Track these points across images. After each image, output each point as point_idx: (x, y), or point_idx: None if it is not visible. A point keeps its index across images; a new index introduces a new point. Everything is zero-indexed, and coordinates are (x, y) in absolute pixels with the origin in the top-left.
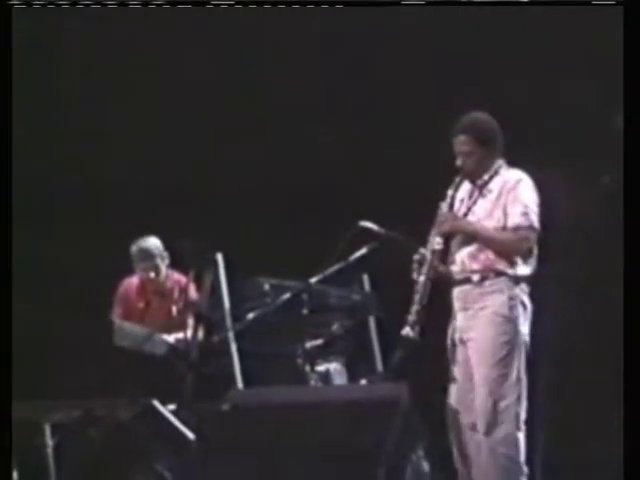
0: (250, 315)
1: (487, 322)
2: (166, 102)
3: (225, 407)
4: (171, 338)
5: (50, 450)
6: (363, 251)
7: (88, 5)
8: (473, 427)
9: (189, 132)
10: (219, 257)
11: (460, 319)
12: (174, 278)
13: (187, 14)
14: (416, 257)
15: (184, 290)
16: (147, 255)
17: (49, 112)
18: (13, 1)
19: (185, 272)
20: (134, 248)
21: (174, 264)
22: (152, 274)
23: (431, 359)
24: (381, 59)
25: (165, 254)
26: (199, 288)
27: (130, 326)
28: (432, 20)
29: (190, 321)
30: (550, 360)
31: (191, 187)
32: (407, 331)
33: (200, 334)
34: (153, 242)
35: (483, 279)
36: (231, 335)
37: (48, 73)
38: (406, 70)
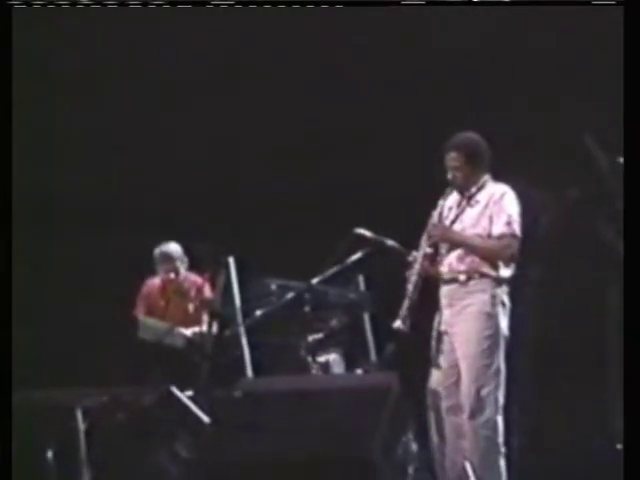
0: (258, 312)
1: (471, 318)
2: (166, 103)
3: (237, 393)
4: (188, 332)
5: (82, 432)
6: (358, 255)
7: (88, 5)
8: (452, 410)
9: (190, 135)
10: (231, 260)
11: (446, 314)
12: (191, 279)
13: (187, 14)
14: (409, 259)
15: (200, 290)
16: (168, 258)
17: (49, 112)
18: (13, 1)
19: (201, 274)
20: (157, 252)
21: (192, 267)
22: (172, 275)
23: (419, 351)
24: (380, 60)
25: (184, 258)
26: (213, 288)
27: (152, 321)
28: (432, 20)
29: (205, 317)
30: (526, 352)
31: (206, 196)
32: (399, 324)
33: (214, 328)
34: (174, 247)
35: (468, 279)
36: (242, 329)
37: (48, 73)
38: (406, 71)
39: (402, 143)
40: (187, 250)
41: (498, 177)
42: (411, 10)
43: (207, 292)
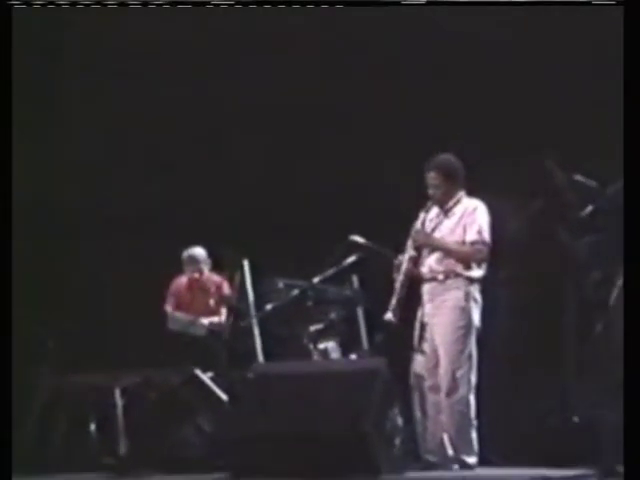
0: (268, 306)
1: (448, 311)
2: (166, 103)
3: (250, 375)
4: (209, 322)
5: (119, 408)
6: (353, 258)
7: (88, 5)
8: (432, 389)
9: (190, 138)
10: (245, 263)
11: (427, 308)
12: (213, 278)
13: (187, 14)
14: (396, 262)
15: (220, 287)
16: (194, 260)
17: (49, 112)
18: (13, 1)
19: (220, 274)
20: (185, 255)
21: (213, 267)
22: (197, 275)
23: (403, 339)
24: (382, 60)
25: (208, 260)
26: (231, 286)
27: (179, 314)
28: (431, 20)
29: (224, 310)
30: (495, 340)
31: (225, 206)
32: (389, 316)
33: (231, 320)
34: (199, 251)
35: (446, 279)
36: (254, 321)
37: (48, 73)
38: (405, 72)
39: (396, 159)
40: (210, 253)
41: (472, 192)
42: (411, 10)
43: (225, 289)
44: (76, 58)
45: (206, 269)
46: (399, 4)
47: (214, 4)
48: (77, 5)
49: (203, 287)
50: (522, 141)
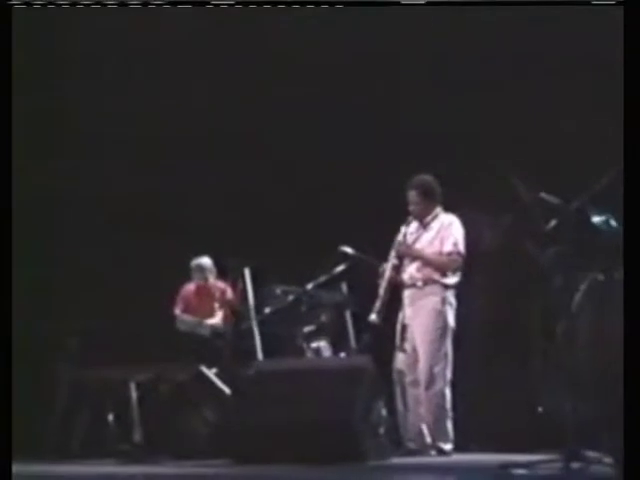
0: (267, 310)
1: (427, 314)
2: (166, 104)
3: (250, 372)
4: (214, 324)
5: (134, 401)
6: (342, 267)
7: (88, 5)
8: (412, 383)
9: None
10: (247, 271)
11: (408, 311)
12: (217, 285)
13: (187, 14)
14: (380, 270)
15: (224, 293)
16: (201, 269)
17: (49, 112)
18: (13, 1)
19: (225, 281)
20: (193, 263)
21: (218, 275)
22: (203, 282)
23: (387, 339)
24: (380, 61)
25: (213, 269)
26: (234, 292)
27: (187, 317)
28: (431, 20)
29: (227, 313)
30: (468, 340)
31: (228, 221)
32: (373, 318)
33: (233, 322)
34: (205, 260)
35: (424, 285)
36: (254, 323)
37: (48, 73)
38: (403, 72)
39: (381, 178)
40: (215, 262)
41: (448, 208)
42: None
43: (229, 295)
44: (76, 58)
45: (212, 277)
46: (399, 4)
47: (214, 4)
48: (77, 5)
49: (209, 293)
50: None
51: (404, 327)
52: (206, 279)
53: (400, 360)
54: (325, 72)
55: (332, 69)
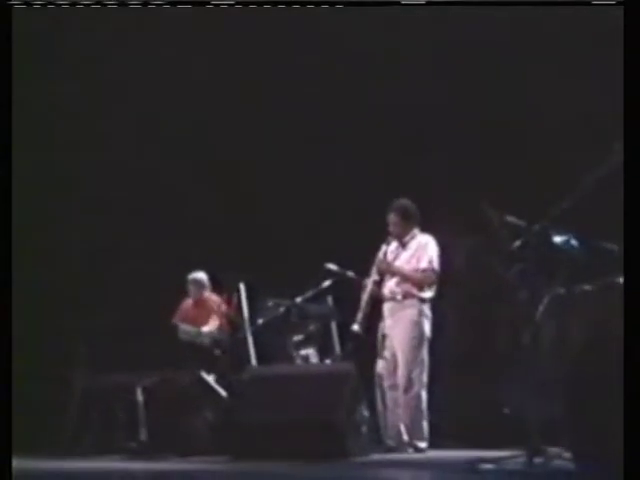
0: (260, 321)
1: (405, 325)
2: (166, 105)
3: (245, 376)
4: (212, 334)
5: (141, 403)
6: (328, 282)
7: (88, 5)
8: (391, 387)
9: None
10: (242, 286)
11: (388, 322)
12: (213, 298)
13: (187, 14)
14: (363, 284)
15: (219, 305)
16: (198, 283)
17: (49, 112)
18: (13, 1)
19: (220, 294)
20: (190, 278)
21: (214, 289)
22: (200, 295)
23: (368, 347)
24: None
25: (208, 283)
26: (229, 304)
27: (187, 327)
28: (431, 20)
29: (224, 324)
30: (442, 348)
31: (226, 239)
32: (356, 328)
33: (230, 332)
34: (201, 275)
35: (403, 299)
36: (249, 333)
37: (48, 73)
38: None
39: (364, 201)
40: (214, 277)
41: (424, 229)
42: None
43: (224, 307)
44: (76, 58)
45: (207, 291)
46: (399, 4)
47: (214, 4)
48: (77, 5)
49: (206, 305)
50: (466, 188)
51: (384, 336)
52: (202, 293)
53: (381, 366)
54: (319, 80)
55: (325, 78)
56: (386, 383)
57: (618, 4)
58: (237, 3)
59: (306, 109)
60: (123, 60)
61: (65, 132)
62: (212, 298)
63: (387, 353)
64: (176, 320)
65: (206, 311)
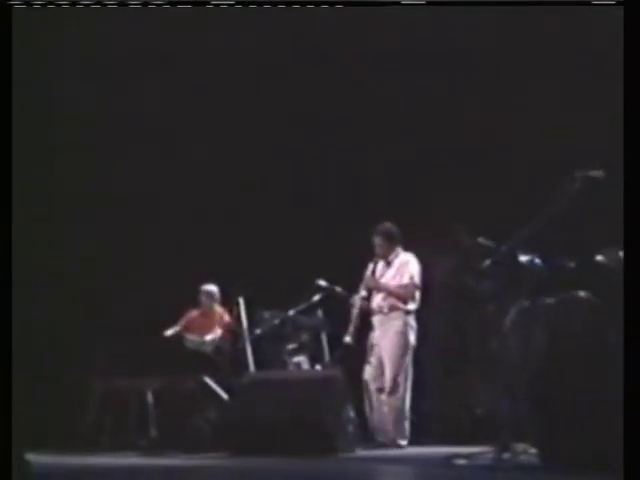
0: (258, 331)
1: (392, 335)
2: (165, 106)
3: (244, 380)
4: (215, 342)
5: (151, 405)
6: (318, 297)
7: (88, 5)
8: (378, 390)
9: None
10: (241, 300)
11: (377, 333)
12: (217, 309)
13: (187, 14)
14: (351, 300)
15: (222, 317)
16: (210, 295)
17: (49, 112)
18: (13, 1)
19: (224, 306)
20: (203, 289)
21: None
22: (208, 307)
23: (354, 355)
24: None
25: (217, 296)
26: (231, 316)
27: (193, 336)
28: (431, 20)
29: (225, 333)
30: (424, 355)
31: (227, 257)
32: (348, 340)
33: (230, 341)
34: (212, 287)
35: (390, 311)
36: (248, 342)
37: (48, 73)
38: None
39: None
40: (221, 289)
41: (407, 248)
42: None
43: (226, 318)
44: (76, 58)
45: (216, 303)
46: (399, 4)
47: (214, 4)
48: (77, 5)
49: (212, 316)
50: (443, 212)
51: (372, 346)
52: (211, 305)
53: (368, 372)
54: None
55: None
56: (373, 387)
57: (618, 4)
58: (237, 3)
59: (306, 109)
60: (123, 60)
61: (65, 132)
62: (217, 309)
63: (375, 360)
64: (180, 328)
65: (211, 321)
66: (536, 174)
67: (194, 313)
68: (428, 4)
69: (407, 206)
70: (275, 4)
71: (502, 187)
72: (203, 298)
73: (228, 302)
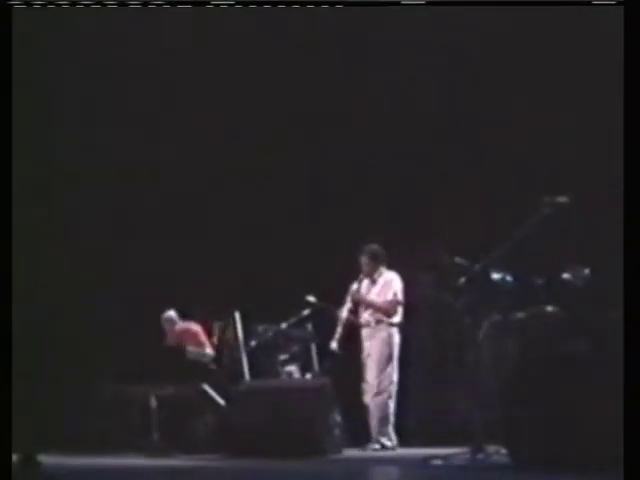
0: (252, 343)
1: (378, 346)
2: (165, 106)
3: (240, 388)
4: (213, 354)
5: (155, 410)
6: (307, 312)
7: (88, 5)
8: (366, 395)
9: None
10: (237, 314)
11: (367, 345)
12: (192, 328)
13: (187, 14)
14: (338, 314)
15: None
16: (170, 320)
17: (49, 112)
18: (13, 1)
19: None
20: (163, 317)
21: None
22: (172, 329)
23: (342, 366)
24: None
25: (177, 319)
26: (207, 331)
27: (193, 348)
28: (431, 20)
29: (223, 345)
30: (408, 363)
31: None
32: (334, 346)
33: (228, 352)
34: (171, 313)
35: (376, 325)
36: (243, 353)
37: (48, 73)
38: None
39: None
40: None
41: (390, 267)
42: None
43: (203, 336)
44: (76, 58)
45: (177, 325)
46: (399, 4)
47: (214, 4)
48: (77, 5)
49: (186, 334)
50: (425, 232)
51: (368, 355)
52: (173, 328)
53: (363, 380)
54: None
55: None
56: (365, 394)
57: (618, 4)
58: (237, 3)
59: (305, 111)
60: (123, 60)
61: (65, 132)
62: (191, 328)
63: (363, 369)
64: (168, 343)
65: (188, 337)
66: (514, 195)
67: (198, 328)
68: (428, 4)
69: (391, 227)
70: (275, 4)
71: (484, 206)
72: (166, 324)
73: (205, 320)
